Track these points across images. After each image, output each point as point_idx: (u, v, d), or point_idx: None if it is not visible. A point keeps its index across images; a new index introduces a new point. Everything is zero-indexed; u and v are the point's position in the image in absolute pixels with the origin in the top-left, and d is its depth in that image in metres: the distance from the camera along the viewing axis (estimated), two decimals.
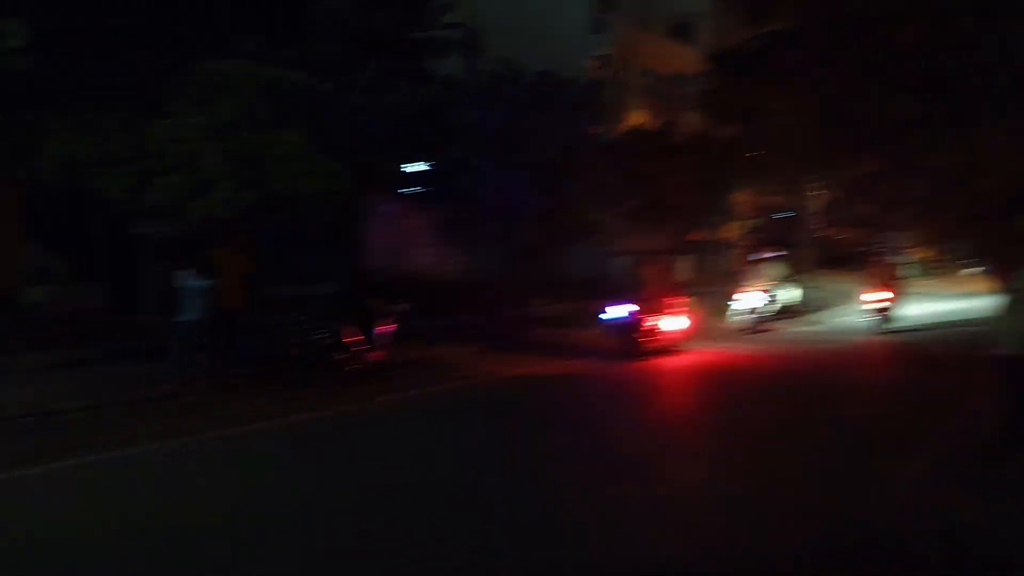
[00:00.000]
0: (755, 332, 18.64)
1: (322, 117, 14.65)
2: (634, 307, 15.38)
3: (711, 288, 20.64)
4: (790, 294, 21.50)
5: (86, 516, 6.40)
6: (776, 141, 23.79)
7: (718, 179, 23.47)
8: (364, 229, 19.79)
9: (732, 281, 20.76)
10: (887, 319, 18.06)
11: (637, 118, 26.62)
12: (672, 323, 15.88)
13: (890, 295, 18.06)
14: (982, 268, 20.54)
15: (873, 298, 18.28)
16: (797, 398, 11.05)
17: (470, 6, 22.21)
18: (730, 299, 19.54)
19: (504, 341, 16.94)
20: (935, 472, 6.88)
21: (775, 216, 29.94)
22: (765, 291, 19.39)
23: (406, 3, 20.22)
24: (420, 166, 22.33)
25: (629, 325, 15.37)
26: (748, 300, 19.16)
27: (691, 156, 22.89)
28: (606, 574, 5.05)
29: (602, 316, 15.86)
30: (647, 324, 15.44)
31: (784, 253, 22.22)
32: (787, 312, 21.00)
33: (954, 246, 24.10)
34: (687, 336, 16.22)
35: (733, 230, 27.73)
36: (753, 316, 19.03)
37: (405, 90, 18.49)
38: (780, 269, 20.87)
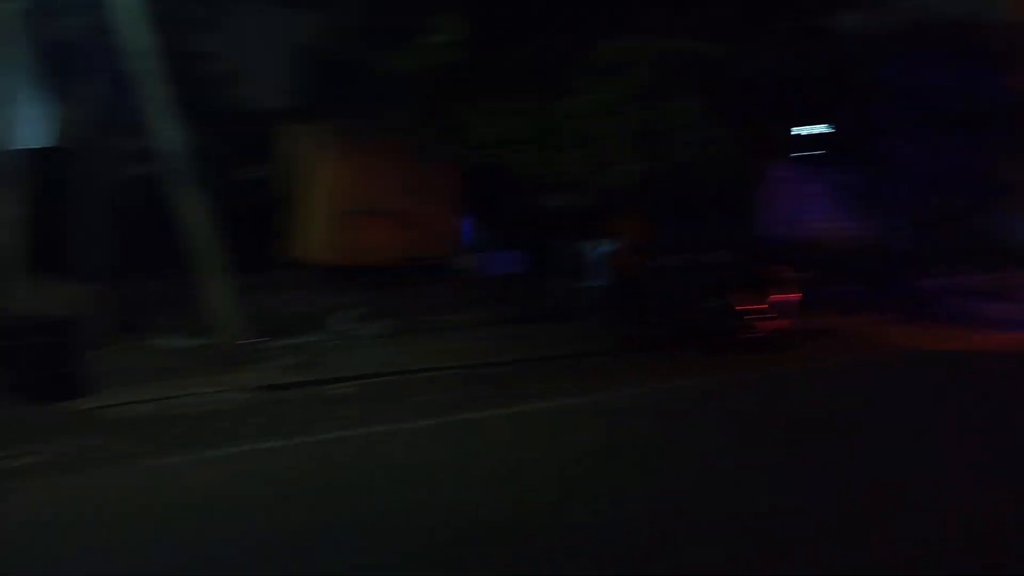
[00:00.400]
0: None
1: (717, 85, 14.60)
2: None
3: None
4: None
5: (532, 454, 7.10)
6: None
7: None
8: (760, 196, 19.42)
9: None
10: None
11: None
12: None
13: None
14: None
15: None
16: None
17: None
18: None
19: (919, 313, 15.87)
20: None
21: None
22: None
23: None
24: (819, 128, 21.35)
25: None
26: None
27: None
28: None
29: None
30: None
31: None
32: None
33: None
34: None
35: None
36: None
37: (802, 51, 17.73)
38: None
